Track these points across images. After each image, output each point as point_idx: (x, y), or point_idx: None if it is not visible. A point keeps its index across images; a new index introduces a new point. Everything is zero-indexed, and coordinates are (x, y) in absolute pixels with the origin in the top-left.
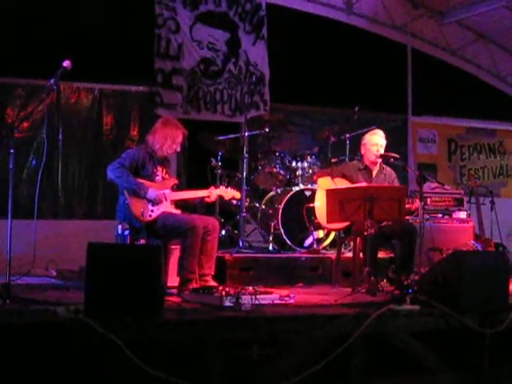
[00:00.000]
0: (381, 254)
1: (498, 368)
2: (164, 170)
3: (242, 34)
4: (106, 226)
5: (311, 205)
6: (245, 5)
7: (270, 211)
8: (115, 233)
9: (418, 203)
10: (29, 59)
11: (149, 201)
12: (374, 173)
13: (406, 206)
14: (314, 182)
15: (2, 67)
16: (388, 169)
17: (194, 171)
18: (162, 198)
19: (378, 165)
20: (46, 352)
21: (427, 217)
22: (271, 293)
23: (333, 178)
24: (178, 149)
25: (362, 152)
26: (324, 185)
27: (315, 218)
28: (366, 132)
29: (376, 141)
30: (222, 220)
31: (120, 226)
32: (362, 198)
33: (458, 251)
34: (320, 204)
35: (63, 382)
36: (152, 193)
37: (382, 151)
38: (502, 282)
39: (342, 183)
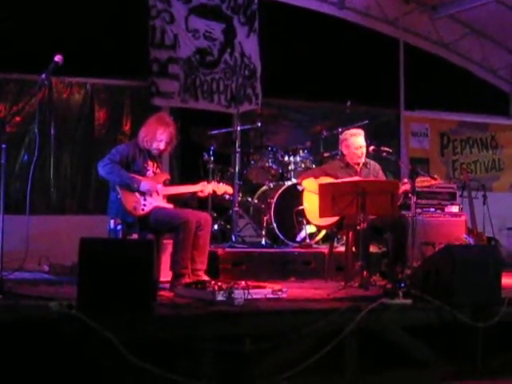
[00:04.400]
0: (373, 249)
1: (491, 361)
2: (155, 165)
3: (237, 25)
4: (98, 220)
5: (300, 207)
6: None
7: (263, 206)
8: (107, 228)
9: (408, 185)
10: (20, 54)
11: (141, 194)
12: (358, 168)
13: None
14: (299, 185)
15: None
16: (372, 162)
17: (186, 166)
18: (155, 188)
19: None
20: (39, 347)
21: (420, 211)
22: (264, 287)
23: (316, 178)
24: (161, 146)
25: (343, 151)
26: (309, 186)
27: (306, 219)
28: (346, 129)
29: (359, 143)
30: (215, 215)
31: (112, 221)
32: (355, 192)
33: (450, 245)
34: (309, 205)
35: (56, 377)
36: (145, 185)
37: (365, 151)
38: (494, 276)
39: (326, 181)
